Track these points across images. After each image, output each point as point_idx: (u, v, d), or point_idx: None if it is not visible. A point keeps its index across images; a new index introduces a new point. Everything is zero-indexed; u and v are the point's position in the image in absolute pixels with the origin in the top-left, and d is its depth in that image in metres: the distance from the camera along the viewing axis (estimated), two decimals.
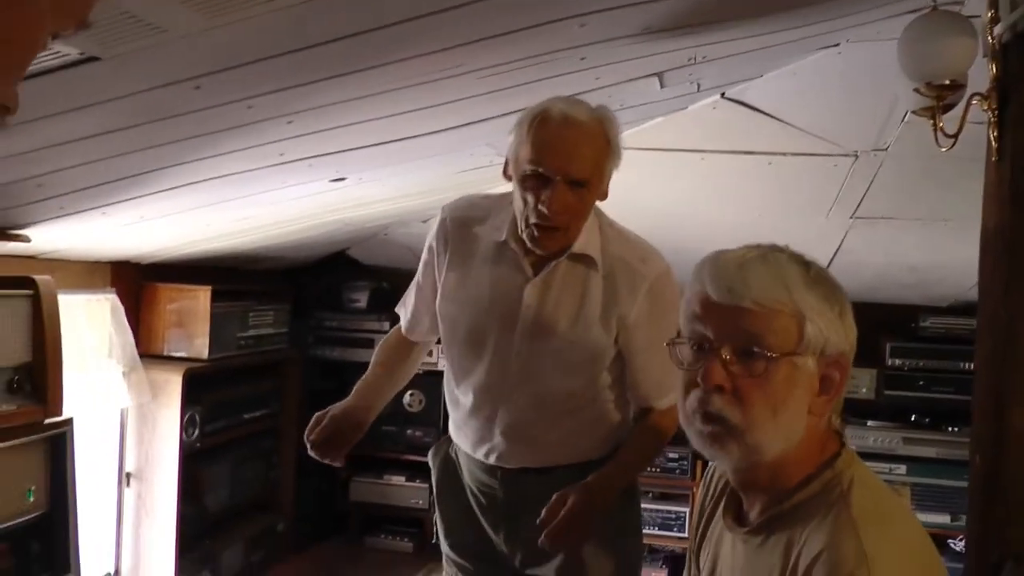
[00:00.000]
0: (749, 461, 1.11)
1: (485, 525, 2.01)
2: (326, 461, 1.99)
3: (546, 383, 1.86)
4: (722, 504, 1.26)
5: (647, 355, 1.85)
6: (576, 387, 1.87)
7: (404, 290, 2.13)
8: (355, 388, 2.05)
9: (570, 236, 1.79)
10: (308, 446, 1.96)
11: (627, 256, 1.84)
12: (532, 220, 1.73)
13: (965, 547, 1.88)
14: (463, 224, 1.92)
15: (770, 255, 1.12)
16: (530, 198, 1.72)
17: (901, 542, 1.05)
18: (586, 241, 1.82)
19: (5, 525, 2.35)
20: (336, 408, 1.99)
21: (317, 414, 1.97)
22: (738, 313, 1.07)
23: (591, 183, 1.73)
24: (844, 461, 1.12)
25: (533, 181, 1.71)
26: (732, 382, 1.08)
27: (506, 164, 1.80)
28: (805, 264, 1.12)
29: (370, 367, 2.08)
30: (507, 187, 1.85)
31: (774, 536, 1.12)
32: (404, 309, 2.10)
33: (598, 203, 1.85)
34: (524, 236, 1.78)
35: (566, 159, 1.69)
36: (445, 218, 1.94)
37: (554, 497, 1.77)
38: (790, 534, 1.09)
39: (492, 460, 1.93)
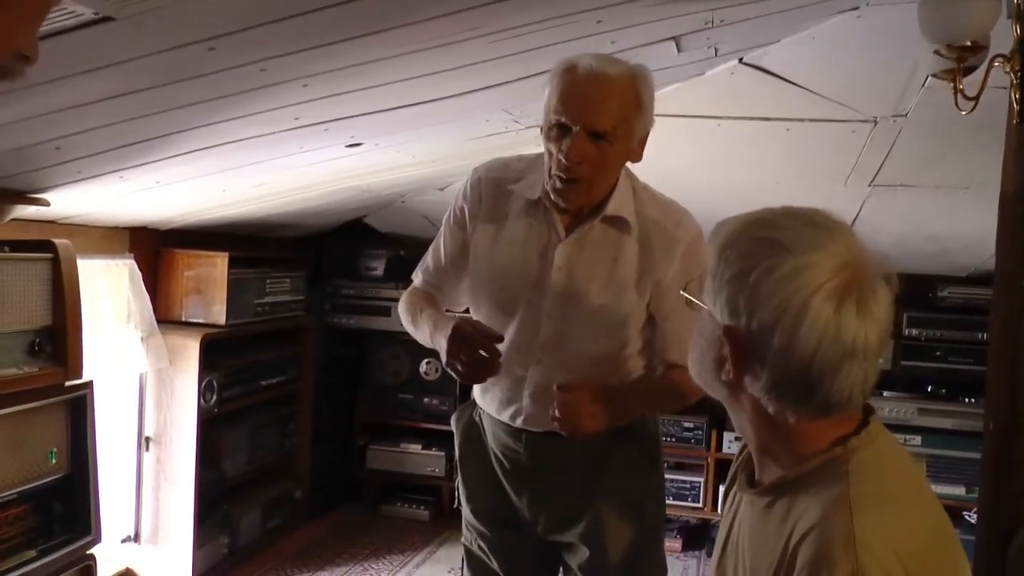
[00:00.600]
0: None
1: (508, 490, 2.01)
2: (482, 376, 1.84)
3: (576, 345, 1.85)
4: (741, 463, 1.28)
5: (678, 318, 1.82)
6: (607, 350, 1.87)
7: (421, 258, 2.10)
8: (432, 316, 1.92)
9: (593, 192, 1.78)
10: (470, 362, 1.77)
11: (662, 219, 1.83)
12: (554, 171, 1.73)
13: (978, 516, 1.88)
14: (497, 184, 1.90)
15: (753, 218, 1.11)
16: (553, 148, 1.72)
17: (898, 530, 1.00)
18: (620, 203, 1.81)
19: (28, 486, 2.39)
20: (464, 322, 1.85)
21: (461, 326, 1.78)
22: None
23: (613, 136, 1.70)
24: (861, 440, 1.08)
25: (557, 131, 1.70)
26: None
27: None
28: (754, 226, 1.08)
29: (417, 312, 1.98)
30: (539, 149, 1.84)
31: (778, 503, 1.11)
32: (422, 271, 2.07)
33: (630, 166, 1.84)
34: (548, 188, 1.77)
35: (587, 109, 1.67)
36: (480, 177, 1.92)
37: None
38: (791, 503, 1.08)
39: (518, 423, 1.92)
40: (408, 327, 2.02)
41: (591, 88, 1.68)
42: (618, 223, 1.82)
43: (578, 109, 1.67)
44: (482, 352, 1.77)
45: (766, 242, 1.04)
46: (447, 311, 2.05)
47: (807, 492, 1.07)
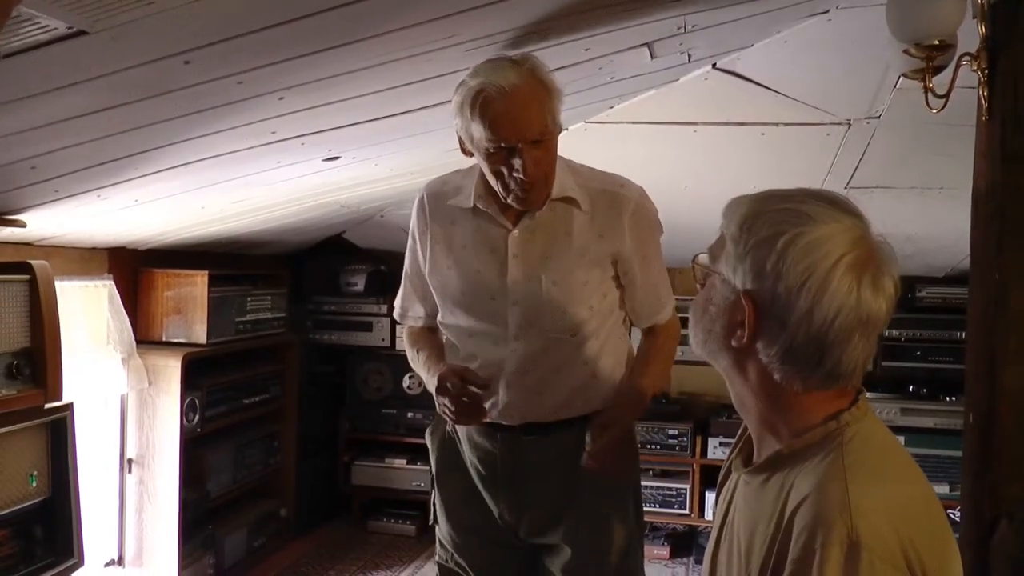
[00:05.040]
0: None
1: (487, 498, 2.02)
2: (470, 420, 1.92)
3: (548, 322, 1.89)
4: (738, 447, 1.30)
5: (644, 273, 1.95)
6: (578, 317, 1.91)
7: (401, 272, 2.13)
8: (426, 361, 2.01)
9: (550, 182, 1.85)
10: (457, 410, 1.86)
11: (607, 187, 1.92)
12: (513, 186, 1.79)
13: (961, 507, 1.89)
14: (439, 198, 1.97)
15: (772, 193, 1.14)
16: (503, 169, 1.77)
17: (890, 498, 1.03)
18: (562, 184, 1.87)
19: (9, 510, 2.37)
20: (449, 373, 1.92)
21: (444, 377, 1.87)
22: None
23: (549, 133, 1.78)
24: (852, 415, 1.11)
25: (498, 155, 1.76)
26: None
27: (461, 142, 1.84)
28: (775, 199, 1.12)
29: (415, 355, 2.07)
30: None
31: (774, 478, 1.13)
32: (401, 308, 2.13)
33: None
34: (510, 201, 1.83)
35: (522, 127, 1.73)
36: (423, 196, 2.01)
37: (592, 428, 1.88)
38: (786, 477, 1.11)
39: (494, 416, 1.95)
40: (415, 369, 2.09)
41: (514, 107, 1.71)
42: (565, 201, 1.89)
43: (513, 131, 1.72)
44: (465, 399, 1.85)
45: (792, 212, 1.08)
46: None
47: (802, 465, 1.09)
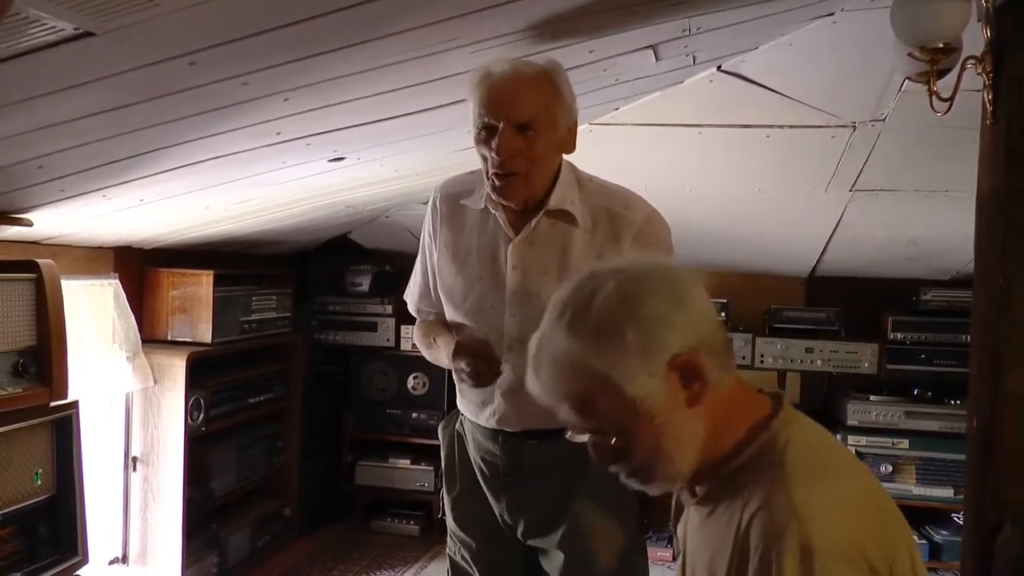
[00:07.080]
0: (672, 481, 1.19)
1: (489, 496, 2.03)
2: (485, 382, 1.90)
3: None
4: None
5: None
6: None
7: (406, 272, 2.16)
8: (440, 337, 2.01)
9: (532, 185, 1.82)
10: (477, 375, 1.85)
11: (612, 205, 1.88)
12: (491, 171, 1.79)
13: (964, 511, 1.89)
14: (452, 199, 1.98)
15: (538, 349, 1.21)
16: (486, 151, 1.78)
17: (834, 496, 1.06)
18: (562, 196, 1.85)
19: (13, 508, 2.38)
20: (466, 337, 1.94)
21: (466, 344, 1.88)
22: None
23: (537, 125, 1.76)
24: (780, 421, 1.13)
25: (486, 134, 1.77)
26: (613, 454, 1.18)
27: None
28: (575, 319, 1.17)
29: (431, 341, 2.06)
30: None
31: (722, 503, 1.14)
32: (412, 301, 2.15)
33: (568, 158, 1.89)
34: (488, 190, 1.83)
35: (507, 104, 1.74)
36: (436, 196, 2.01)
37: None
38: (735, 498, 1.12)
39: (494, 423, 1.96)
40: (428, 357, 2.10)
41: (508, 85, 1.74)
42: (564, 216, 1.86)
43: (499, 106, 1.74)
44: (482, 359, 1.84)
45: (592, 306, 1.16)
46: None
47: (748, 482, 1.11)
